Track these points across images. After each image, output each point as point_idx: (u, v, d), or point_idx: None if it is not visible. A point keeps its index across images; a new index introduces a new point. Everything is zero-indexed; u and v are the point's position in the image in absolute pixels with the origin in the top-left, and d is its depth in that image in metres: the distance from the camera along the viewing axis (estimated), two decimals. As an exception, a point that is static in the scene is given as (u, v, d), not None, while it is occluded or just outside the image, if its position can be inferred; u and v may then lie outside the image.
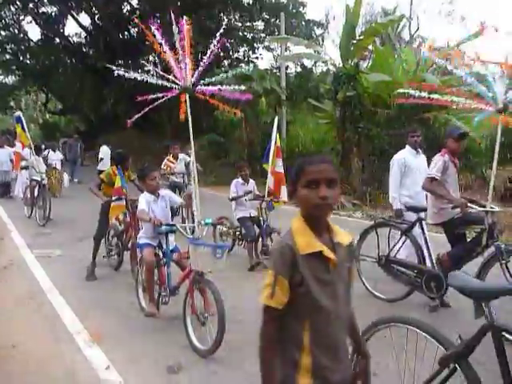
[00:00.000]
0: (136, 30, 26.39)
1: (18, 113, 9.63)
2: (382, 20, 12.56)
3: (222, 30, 4.00)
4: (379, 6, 43.15)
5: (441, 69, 13.39)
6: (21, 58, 28.14)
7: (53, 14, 26.25)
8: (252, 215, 6.21)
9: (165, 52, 3.85)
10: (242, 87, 4.21)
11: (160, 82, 3.93)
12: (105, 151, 14.43)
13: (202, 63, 3.94)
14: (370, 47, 14.30)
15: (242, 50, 24.85)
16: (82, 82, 27.29)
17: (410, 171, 5.21)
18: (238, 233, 6.47)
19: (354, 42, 12.05)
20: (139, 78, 3.92)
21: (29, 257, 6.53)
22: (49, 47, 27.14)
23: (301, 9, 24.57)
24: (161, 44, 3.82)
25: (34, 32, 50.69)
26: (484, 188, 9.98)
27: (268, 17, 24.30)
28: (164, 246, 4.23)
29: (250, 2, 22.99)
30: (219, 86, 4.05)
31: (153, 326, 4.08)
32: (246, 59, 24.79)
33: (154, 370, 3.31)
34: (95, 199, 5.80)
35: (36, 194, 9.57)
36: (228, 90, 4.08)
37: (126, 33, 26.40)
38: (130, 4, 25.49)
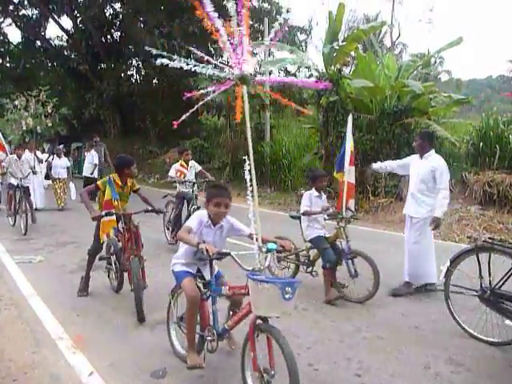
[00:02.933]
0: (119, 33, 26.22)
1: None
2: (365, 26, 12.70)
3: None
4: (362, 12, 43.82)
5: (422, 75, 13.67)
6: (0, 61, 27.68)
7: (33, 16, 25.92)
8: (326, 235, 5.14)
9: (218, 31, 2.98)
10: (313, 76, 3.44)
11: (211, 71, 3.19)
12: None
13: (263, 45, 3.16)
14: (353, 53, 14.50)
15: (225, 54, 24.86)
16: (63, 85, 26.97)
17: (410, 175, 5.35)
18: (305, 258, 5.37)
19: (337, 47, 12.18)
20: (186, 68, 3.12)
21: (9, 263, 6.40)
22: (29, 50, 26.76)
23: (285, 13, 24.75)
24: (213, 21, 2.94)
25: (14, 35, 50.00)
26: (464, 192, 10.16)
27: (251, 22, 24.42)
28: (207, 276, 3.30)
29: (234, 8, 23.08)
30: (284, 77, 3.26)
31: (137, 332, 4.05)
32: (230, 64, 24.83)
33: (138, 376, 3.28)
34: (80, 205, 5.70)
35: (17, 199, 8.95)
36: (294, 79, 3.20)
37: (108, 36, 26.19)
38: (112, 7, 25.31)
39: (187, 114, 3.40)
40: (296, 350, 3.65)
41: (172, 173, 7.53)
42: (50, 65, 28.03)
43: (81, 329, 4.12)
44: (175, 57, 3.11)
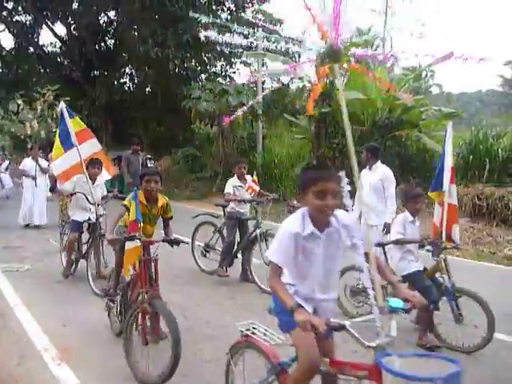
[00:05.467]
0: (112, 41, 26.25)
1: (62, 104, 6.66)
2: (357, 39, 12.84)
3: None
4: (354, 25, 44.29)
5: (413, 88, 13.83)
6: (-8, 66, 27.56)
7: (27, 22, 25.89)
8: (422, 269, 4.23)
9: None
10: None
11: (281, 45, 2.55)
12: None
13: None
14: (345, 65, 14.63)
15: (219, 64, 24.93)
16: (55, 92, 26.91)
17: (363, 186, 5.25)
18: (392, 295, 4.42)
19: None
20: (251, 41, 2.61)
21: (-5, 271, 6.32)
22: (22, 56, 26.67)
23: (278, 25, 24.97)
24: None
25: (7, 40, 49.90)
26: (454, 204, 10.22)
27: (246, 32, 24.58)
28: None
29: (228, 18, 23.25)
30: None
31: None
32: (224, 73, 24.92)
33: (124, 389, 3.23)
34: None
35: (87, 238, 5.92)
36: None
37: (102, 44, 26.21)
38: (106, 15, 25.37)
39: (238, 113, 3.05)
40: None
41: (229, 190, 5.96)
42: (42, 71, 27.94)
43: (67, 340, 4.05)
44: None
